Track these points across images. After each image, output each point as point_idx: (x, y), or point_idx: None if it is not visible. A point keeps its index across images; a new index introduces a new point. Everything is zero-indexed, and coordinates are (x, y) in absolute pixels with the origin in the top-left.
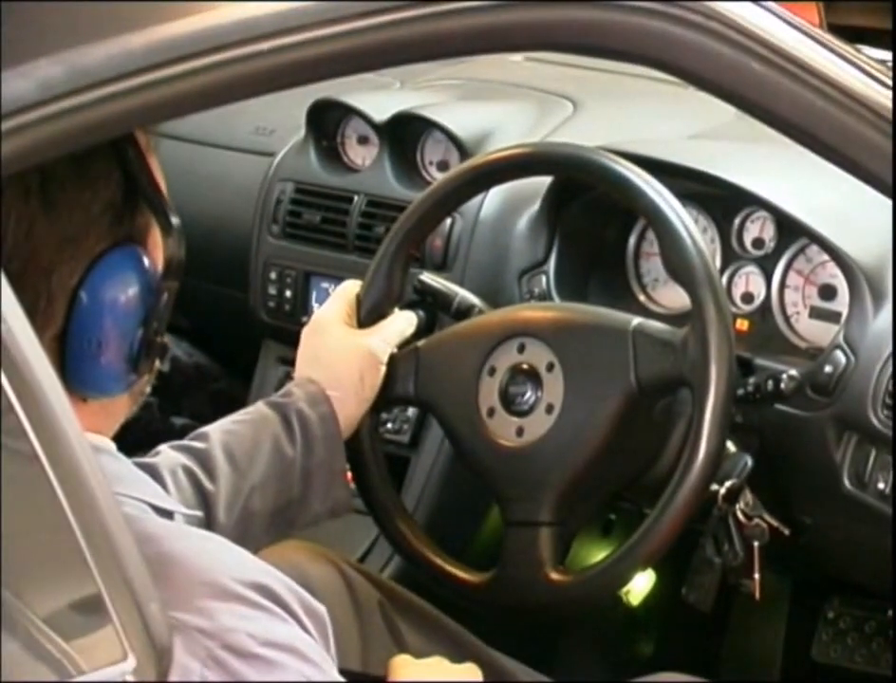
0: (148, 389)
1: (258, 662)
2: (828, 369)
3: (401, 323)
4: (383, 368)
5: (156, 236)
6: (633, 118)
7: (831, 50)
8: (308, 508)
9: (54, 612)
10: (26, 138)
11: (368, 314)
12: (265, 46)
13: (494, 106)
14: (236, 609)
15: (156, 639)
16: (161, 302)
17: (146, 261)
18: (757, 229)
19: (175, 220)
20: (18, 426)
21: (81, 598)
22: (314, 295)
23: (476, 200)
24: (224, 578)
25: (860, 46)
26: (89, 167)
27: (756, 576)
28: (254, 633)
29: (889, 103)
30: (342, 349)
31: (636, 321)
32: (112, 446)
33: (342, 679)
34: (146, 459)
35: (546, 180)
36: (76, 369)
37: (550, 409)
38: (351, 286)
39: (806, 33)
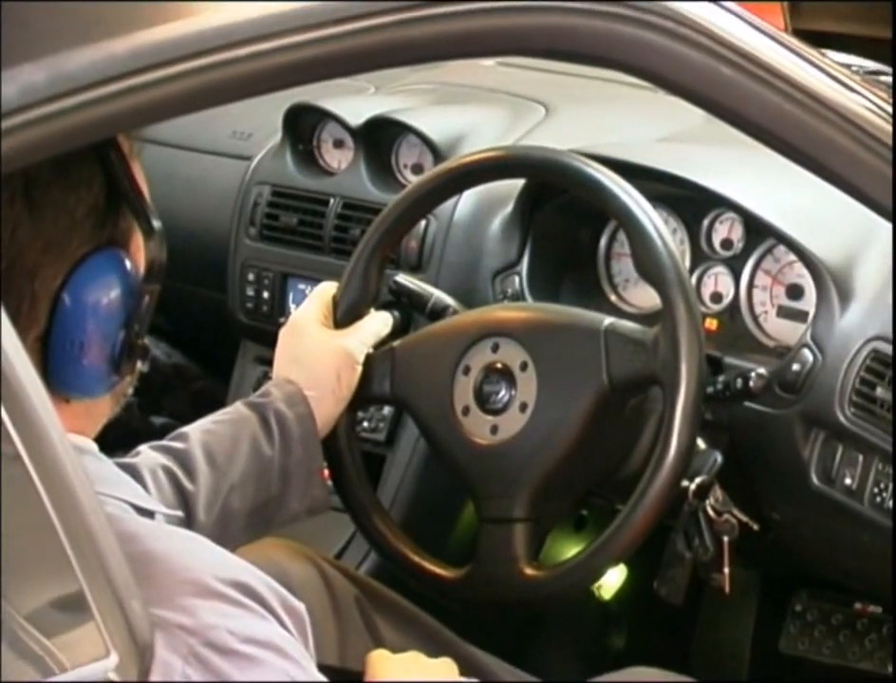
0: (130, 390)
1: (239, 659)
2: (795, 367)
3: (377, 323)
4: (360, 368)
5: (138, 240)
6: (604, 121)
7: (798, 55)
8: (287, 507)
9: (37, 610)
10: (8, 143)
11: (345, 315)
12: (244, 51)
13: (468, 110)
14: (217, 607)
15: (138, 637)
16: (143, 304)
17: (128, 264)
18: (726, 230)
19: (157, 224)
20: (1, 427)
21: (63, 596)
22: (291, 296)
23: (450, 202)
24: (205, 576)
25: (824, 51)
26: (73, 171)
27: (726, 570)
28: (235, 630)
29: (854, 106)
30: (319, 350)
31: (608, 320)
32: (94, 447)
33: (320, 676)
34: (127, 459)
35: (518, 183)
36: (59, 370)
37: (523, 407)
38: (328, 288)
39: (773, 38)
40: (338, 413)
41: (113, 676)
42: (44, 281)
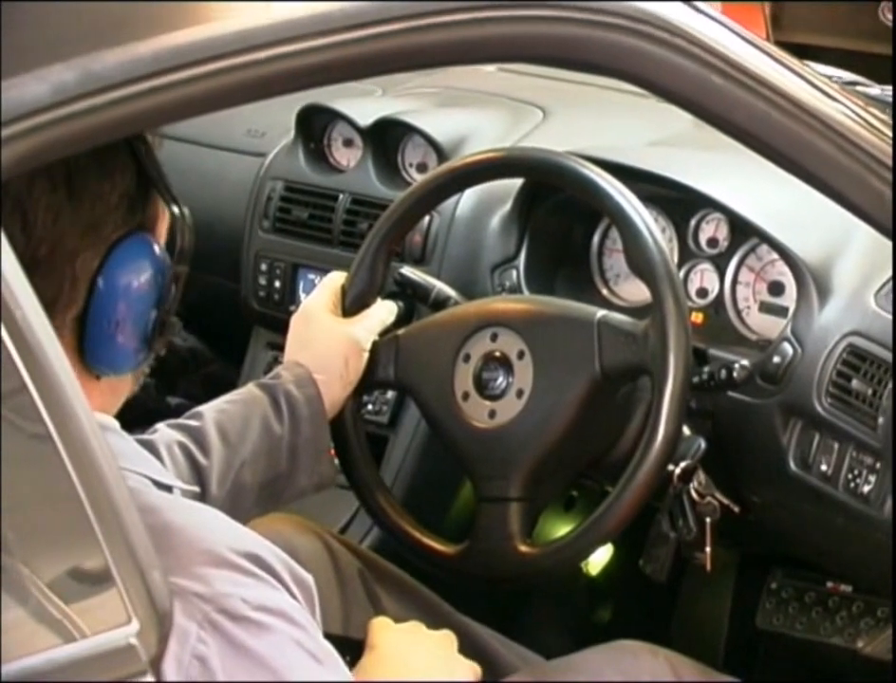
0: (147, 369)
1: (251, 625)
2: (776, 360)
3: (383, 312)
4: (366, 354)
5: (164, 224)
6: (599, 125)
7: (783, 64)
8: (295, 482)
9: (63, 580)
10: (42, 138)
11: (353, 303)
12: (262, 55)
13: (470, 113)
14: (231, 576)
15: (157, 605)
16: (172, 284)
17: (157, 247)
18: (712, 229)
19: (185, 210)
20: (32, 406)
21: (89, 566)
22: (301, 286)
23: (452, 200)
24: (220, 547)
25: (806, 62)
26: (108, 161)
27: (708, 549)
28: (247, 598)
29: (834, 113)
30: (328, 336)
31: (600, 313)
32: (116, 424)
33: (326, 642)
34: (145, 436)
35: (517, 182)
36: (94, 348)
37: (520, 394)
38: (337, 277)
39: (761, 49)
40: (345, 396)
41: (134, 642)
42: (83, 263)
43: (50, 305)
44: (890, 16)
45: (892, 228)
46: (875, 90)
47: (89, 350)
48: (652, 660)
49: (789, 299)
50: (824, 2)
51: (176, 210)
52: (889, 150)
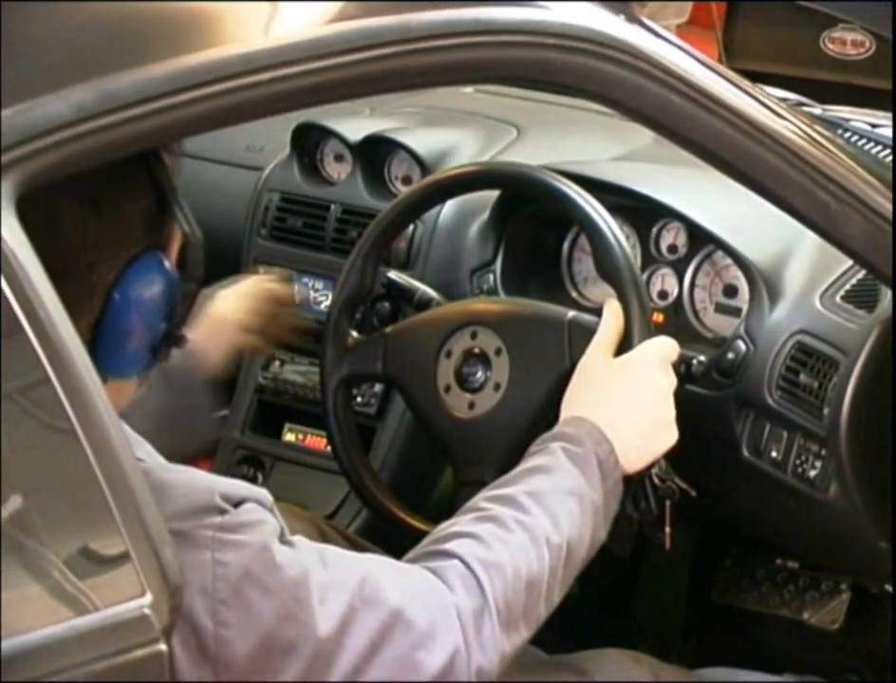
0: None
1: (252, 529)
2: (730, 356)
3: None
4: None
5: (177, 243)
6: (568, 141)
7: (738, 87)
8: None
9: (83, 557)
10: (64, 152)
11: (344, 305)
12: (264, 76)
13: (450, 130)
14: (226, 509)
15: (170, 578)
16: (181, 300)
17: (168, 264)
18: (672, 236)
19: (198, 232)
20: (56, 398)
21: (106, 544)
22: (296, 288)
23: (435, 209)
24: (211, 494)
25: (758, 84)
26: (133, 182)
27: (668, 529)
28: (243, 520)
29: (782, 130)
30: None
31: (571, 313)
32: None
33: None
34: None
35: (494, 193)
36: (105, 354)
37: (497, 387)
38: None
39: (717, 72)
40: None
41: (148, 612)
42: (101, 275)
43: (68, 312)
44: (832, 46)
45: (893, 238)
46: (818, 110)
47: (100, 356)
48: (636, 668)
49: (742, 300)
50: (772, 32)
51: (189, 232)
52: (832, 164)
